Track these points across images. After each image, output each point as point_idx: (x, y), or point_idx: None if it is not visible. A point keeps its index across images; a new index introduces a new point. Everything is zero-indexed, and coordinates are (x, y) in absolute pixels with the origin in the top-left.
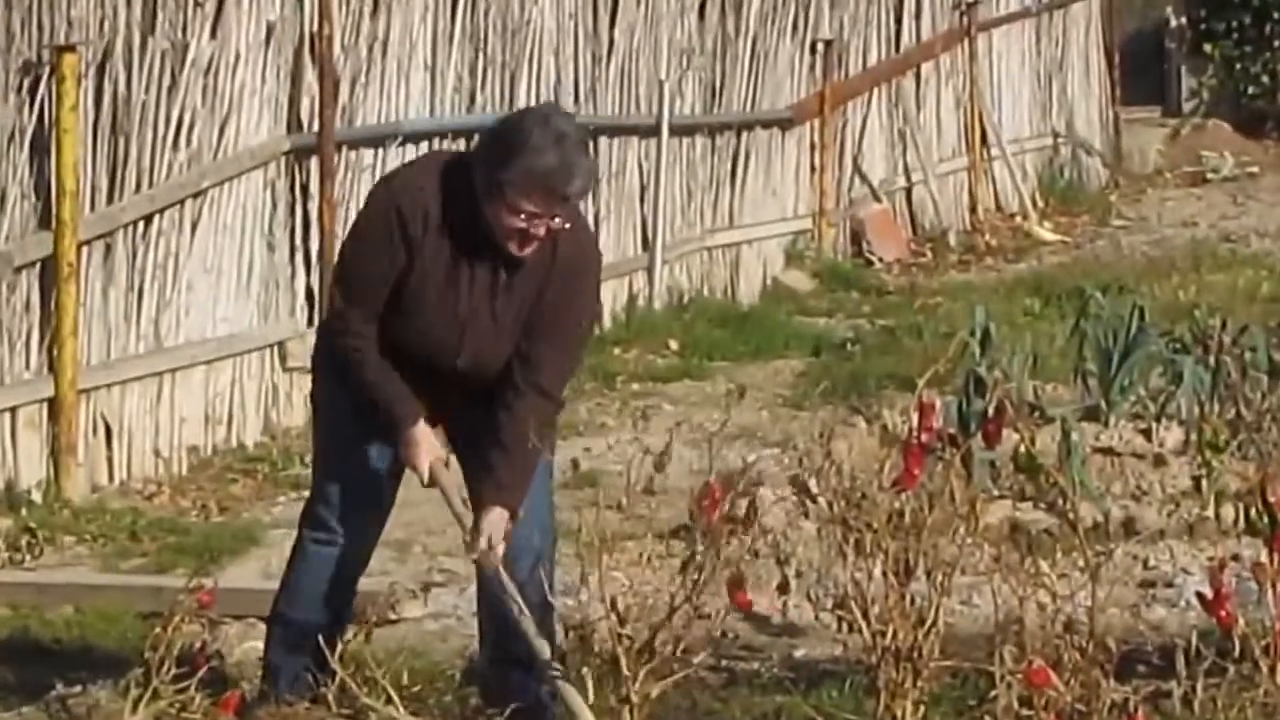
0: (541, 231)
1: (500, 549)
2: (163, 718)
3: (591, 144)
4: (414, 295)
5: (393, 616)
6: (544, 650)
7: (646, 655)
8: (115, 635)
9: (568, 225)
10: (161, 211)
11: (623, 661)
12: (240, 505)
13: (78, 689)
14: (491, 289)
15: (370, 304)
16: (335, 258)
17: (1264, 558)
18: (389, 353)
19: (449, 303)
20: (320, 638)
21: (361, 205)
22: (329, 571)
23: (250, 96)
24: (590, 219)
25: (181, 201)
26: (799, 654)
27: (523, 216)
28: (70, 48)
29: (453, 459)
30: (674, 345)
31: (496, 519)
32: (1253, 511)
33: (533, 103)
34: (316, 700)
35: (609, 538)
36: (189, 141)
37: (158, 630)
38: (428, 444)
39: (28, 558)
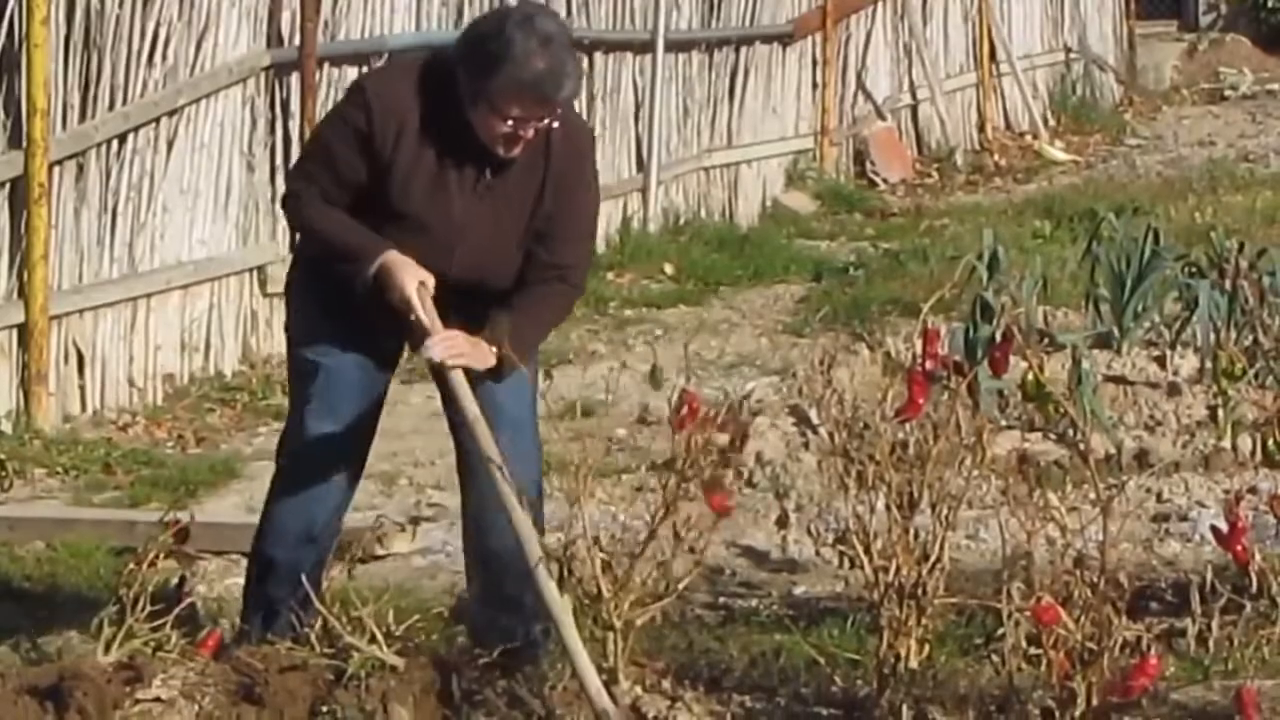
0: (530, 134)
1: (461, 357)
2: (137, 657)
3: (577, 48)
4: (400, 201)
5: (379, 552)
6: (532, 545)
7: (627, 581)
8: (87, 572)
9: (557, 130)
10: (136, 130)
11: (603, 588)
12: (218, 436)
13: (50, 629)
14: (486, 191)
15: (322, 190)
16: None
17: None
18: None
19: (440, 208)
20: (303, 575)
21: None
22: (310, 502)
23: (228, 9)
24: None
25: (157, 120)
26: (799, 591)
27: (510, 122)
28: None
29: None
30: (669, 269)
31: (483, 348)
32: (1270, 442)
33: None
34: (299, 640)
35: (589, 469)
36: (164, 57)
37: (132, 567)
38: (409, 267)
39: None
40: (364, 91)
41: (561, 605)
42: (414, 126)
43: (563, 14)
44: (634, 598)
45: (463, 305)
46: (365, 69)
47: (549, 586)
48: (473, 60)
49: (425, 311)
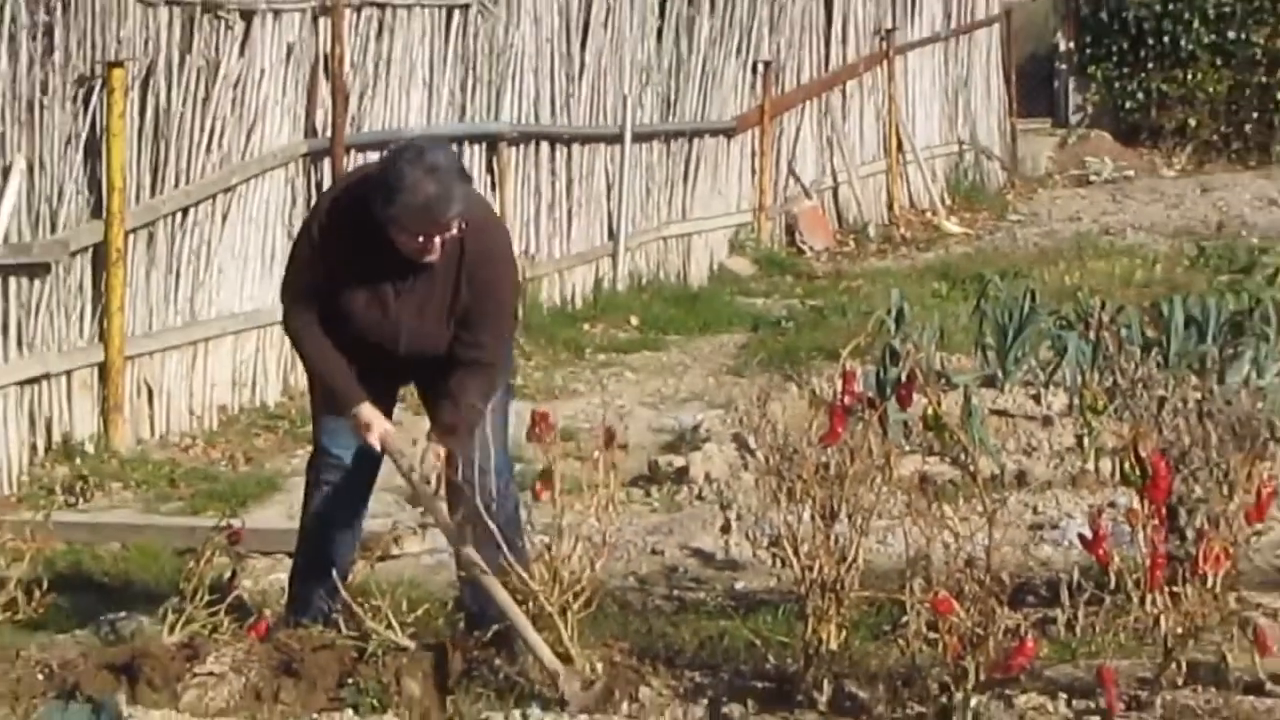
0: (437, 244)
1: (432, 478)
2: (196, 639)
3: (464, 169)
4: (348, 306)
5: (395, 553)
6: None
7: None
8: (155, 569)
9: (466, 231)
10: (196, 205)
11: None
12: (263, 457)
13: (123, 614)
14: (412, 291)
15: (306, 302)
16: None
17: (1135, 505)
18: (348, 343)
19: (378, 304)
20: (332, 571)
21: None
22: (334, 512)
23: (273, 107)
24: (563, 213)
25: (214, 196)
26: (739, 585)
27: (418, 239)
28: (119, 64)
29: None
30: (634, 321)
31: (431, 454)
32: (1126, 465)
33: (515, 115)
34: (329, 624)
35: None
36: (220, 145)
37: (191, 564)
38: (376, 420)
39: (81, 501)
40: (311, 213)
41: (511, 602)
42: (349, 241)
43: (546, 114)
44: (564, 587)
45: (416, 370)
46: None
47: (498, 590)
48: (377, 192)
49: (394, 452)
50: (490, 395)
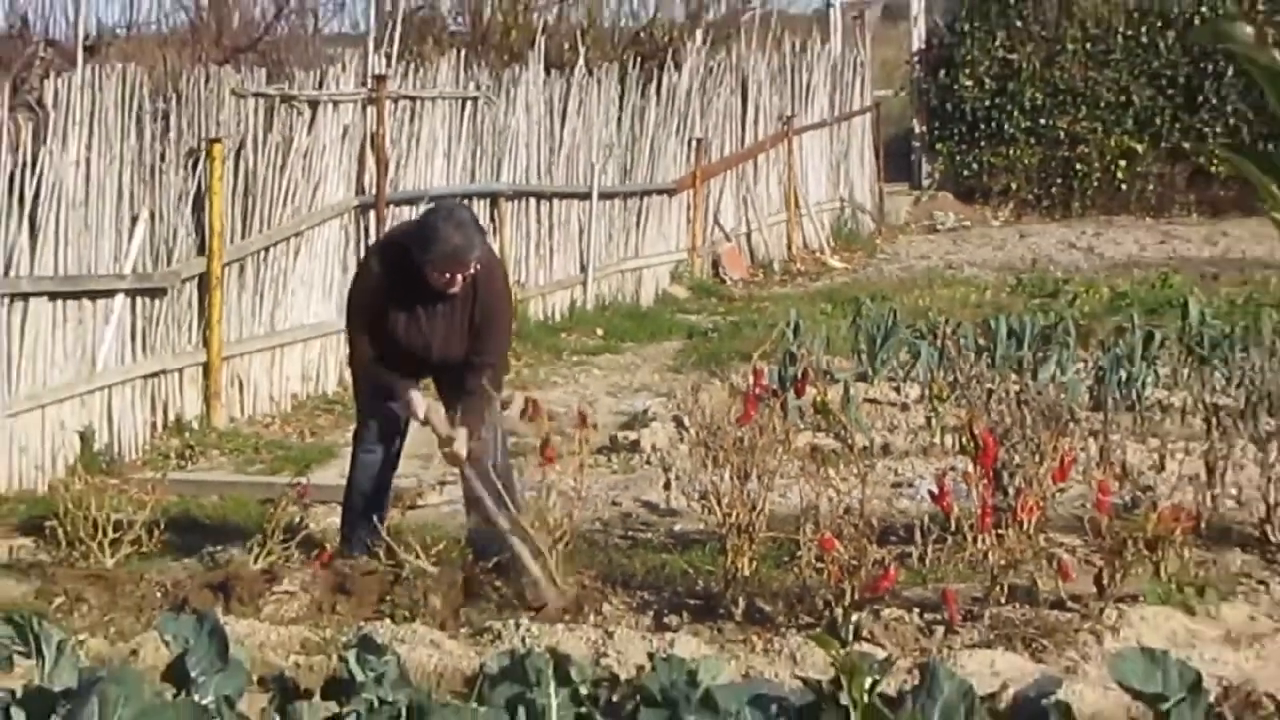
0: (459, 280)
1: (463, 450)
2: (274, 566)
3: (481, 224)
4: (394, 325)
5: (420, 503)
6: (499, 517)
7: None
8: (243, 514)
9: (479, 270)
10: (275, 245)
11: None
12: (324, 432)
13: (220, 548)
14: (440, 313)
15: (366, 331)
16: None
17: (970, 469)
18: (393, 355)
19: (416, 324)
20: (374, 516)
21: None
22: (374, 472)
23: (333, 171)
24: (546, 251)
25: (288, 239)
26: (677, 528)
27: (446, 276)
28: (218, 140)
29: (439, 405)
30: (600, 332)
31: (462, 433)
32: (964, 439)
33: (511, 178)
34: (372, 556)
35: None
36: (293, 200)
37: (270, 511)
38: (419, 398)
39: (188, 464)
40: (366, 265)
41: (513, 536)
42: (397, 283)
43: (534, 178)
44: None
45: (440, 371)
46: (414, 208)
47: (505, 528)
48: (418, 243)
49: (438, 423)
50: (493, 385)
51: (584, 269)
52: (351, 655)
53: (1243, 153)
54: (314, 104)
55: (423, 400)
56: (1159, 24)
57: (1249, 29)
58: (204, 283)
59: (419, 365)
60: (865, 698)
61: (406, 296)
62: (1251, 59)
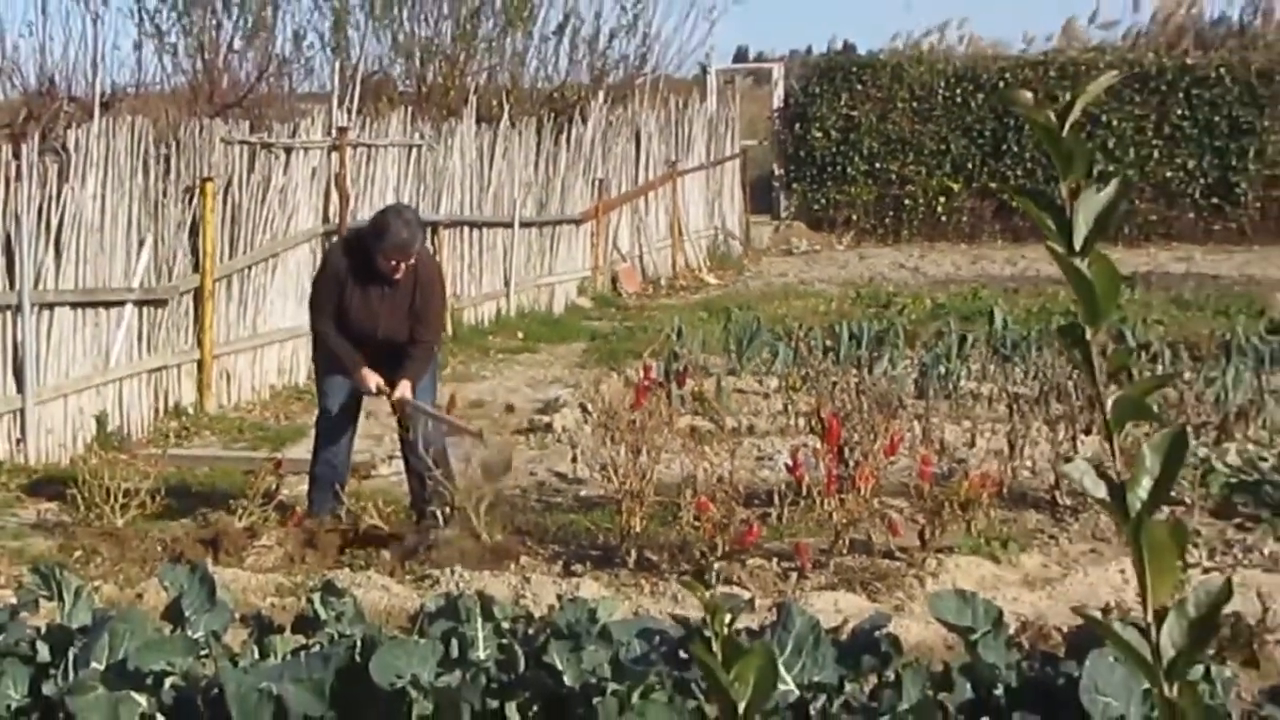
0: (403, 267)
1: (408, 392)
2: (255, 524)
3: (426, 225)
4: (349, 307)
5: (374, 474)
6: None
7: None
8: (229, 482)
9: (419, 264)
10: (256, 264)
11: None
12: (296, 416)
13: (210, 510)
14: (386, 298)
15: (327, 313)
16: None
17: (818, 446)
18: (347, 334)
19: (368, 308)
20: (335, 484)
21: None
22: (334, 448)
23: (303, 205)
24: (478, 270)
25: (267, 259)
26: (583, 494)
27: (393, 263)
28: (209, 179)
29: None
30: (520, 335)
31: (405, 385)
32: (813, 422)
33: (449, 210)
34: (335, 517)
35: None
36: (271, 228)
37: (252, 479)
38: (371, 374)
39: (185, 443)
40: (328, 256)
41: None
42: (352, 270)
43: (468, 210)
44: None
45: (387, 349)
46: None
47: (442, 484)
48: (374, 234)
49: (382, 387)
50: (430, 357)
51: (507, 284)
52: (316, 597)
53: (1023, 193)
54: (288, 150)
55: (374, 375)
56: (971, 88)
57: (1029, 95)
58: (198, 295)
59: (367, 344)
60: (725, 631)
61: (360, 283)
62: (1032, 119)
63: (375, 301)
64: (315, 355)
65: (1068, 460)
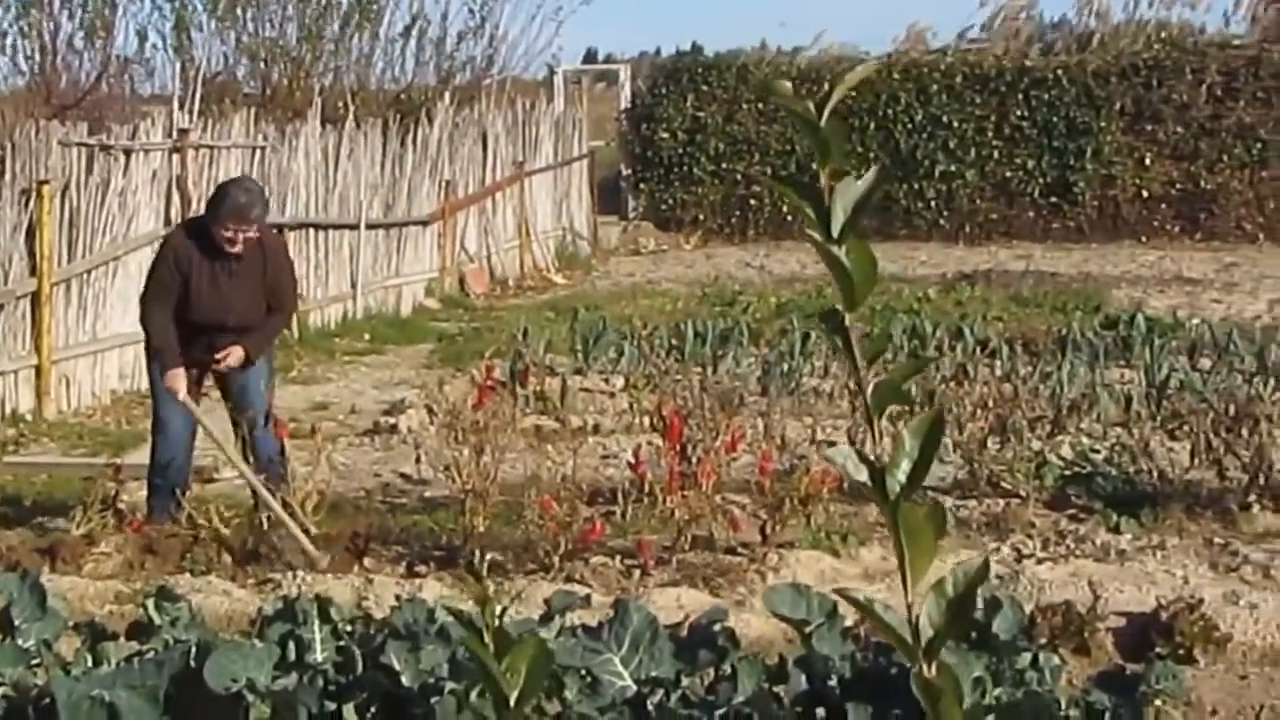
0: (243, 239)
1: (235, 360)
2: (93, 531)
3: (267, 198)
4: (194, 293)
5: (215, 477)
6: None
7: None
8: (68, 489)
9: (267, 243)
10: (96, 268)
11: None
12: (138, 420)
13: (48, 518)
14: (235, 280)
15: (162, 303)
16: None
17: (661, 443)
18: (197, 324)
19: (217, 293)
20: (175, 489)
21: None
22: (173, 452)
23: (144, 207)
24: (324, 272)
25: (107, 263)
26: (428, 494)
27: (232, 231)
28: (46, 181)
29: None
30: (367, 336)
31: (237, 350)
32: (656, 420)
33: (294, 212)
34: (175, 522)
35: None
36: (110, 231)
37: (91, 486)
38: (181, 379)
39: (21, 449)
40: (167, 240)
41: (275, 501)
42: (194, 253)
43: (313, 212)
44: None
45: (240, 336)
46: None
47: (264, 492)
48: (211, 205)
49: (188, 402)
50: (277, 333)
51: (354, 286)
52: (151, 603)
53: (782, 181)
54: (128, 152)
55: (183, 381)
56: (814, 89)
57: (787, 84)
58: (35, 300)
59: (219, 334)
60: (495, 623)
61: (206, 267)
62: (790, 109)
63: (224, 284)
64: (150, 362)
65: (830, 445)
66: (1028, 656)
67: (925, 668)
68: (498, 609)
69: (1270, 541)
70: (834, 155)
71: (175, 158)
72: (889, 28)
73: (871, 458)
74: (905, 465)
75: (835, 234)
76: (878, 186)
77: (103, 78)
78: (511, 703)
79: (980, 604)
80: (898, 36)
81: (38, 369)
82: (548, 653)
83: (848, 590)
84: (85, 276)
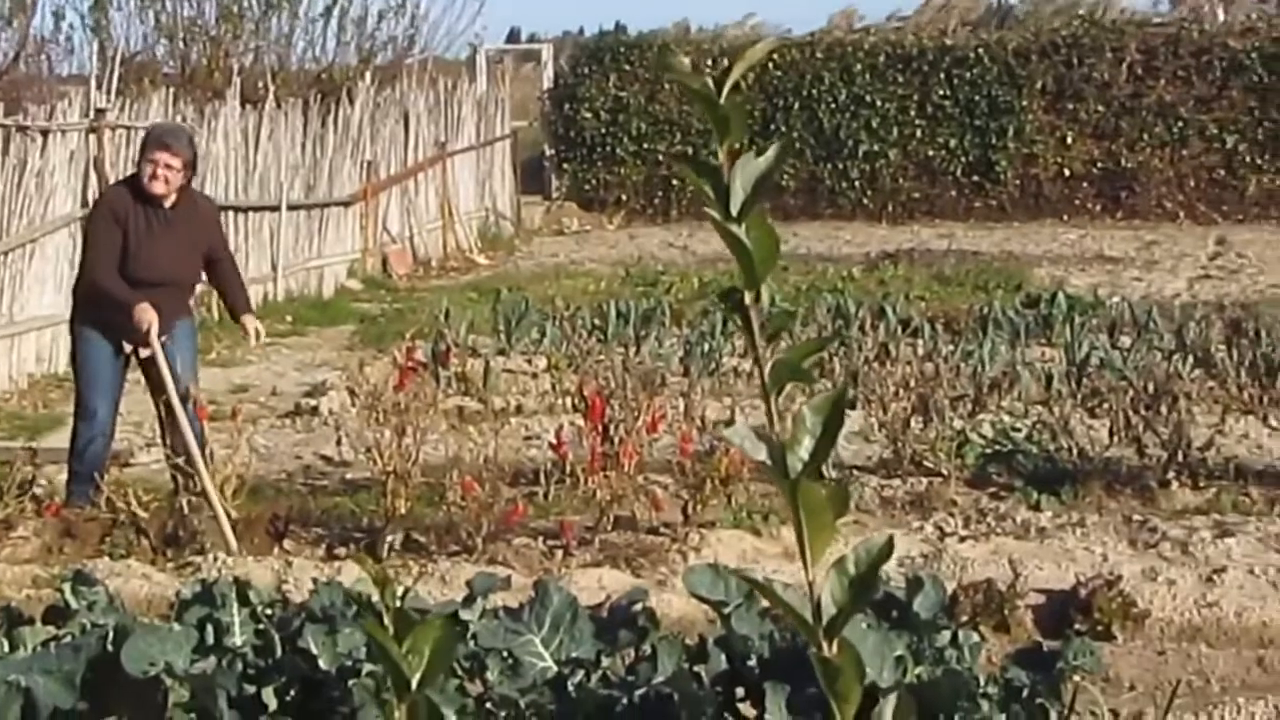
0: (163, 175)
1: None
2: (10, 516)
3: (195, 138)
4: (132, 245)
5: (133, 461)
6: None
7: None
8: None
9: (201, 199)
10: (12, 250)
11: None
12: (55, 404)
13: None
14: (166, 228)
15: (107, 264)
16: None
17: (583, 424)
18: (131, 282)
19: (151, 245)
20: (94, 473)
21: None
22: (92, 435)
23: (62, 188)
24: (243, 255)
25: (24, 245)
26: (349, 476)
27: (156, 165)
28: None
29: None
30: (289, 319)
31: (250, 319)
32: (577, 401)
33: (214, 196)
34: (94, 506)
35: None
36: (28, 212)
37: (7, 470)
38: (151, 311)
39: None
40: (103, 196)
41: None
42: (129, 207)
43: (233, 194)
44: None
45: (175, 293)
46: None
47: (200, 468)
48: (141, 144)
49: (155, 340)
50: (236, 272)
51: (275, 268)
52: (67, 587)
53: (682, 160)
54: (45, 132)
55: (152, 312)
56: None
57: (686, 60)
58: None
59: (153, 289)
60: (395, 604)
61: (139, 219)
62: (687, 85)
63: (161, 235)
64: (74, 344)
65: (728, 425)
66: (948, 635)
67: (825, 646)
68: (399, 590)
69: (1188, 518)
70: (734, 132)
71: (92, 138)
72: (821, 10)
73: (772, 436)
74: (807, 443)
75: (735, 212)
76: (778, 164)
77: (19, 57)
78: (413, 685)
79: (903, 583)
80: (833, 17)
81: None
82: (452, 635)
83: (746, 571)
84: (2, 259)
